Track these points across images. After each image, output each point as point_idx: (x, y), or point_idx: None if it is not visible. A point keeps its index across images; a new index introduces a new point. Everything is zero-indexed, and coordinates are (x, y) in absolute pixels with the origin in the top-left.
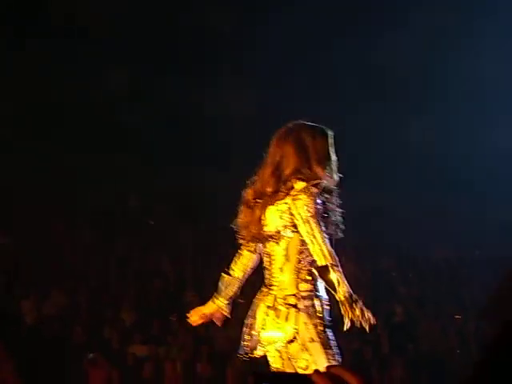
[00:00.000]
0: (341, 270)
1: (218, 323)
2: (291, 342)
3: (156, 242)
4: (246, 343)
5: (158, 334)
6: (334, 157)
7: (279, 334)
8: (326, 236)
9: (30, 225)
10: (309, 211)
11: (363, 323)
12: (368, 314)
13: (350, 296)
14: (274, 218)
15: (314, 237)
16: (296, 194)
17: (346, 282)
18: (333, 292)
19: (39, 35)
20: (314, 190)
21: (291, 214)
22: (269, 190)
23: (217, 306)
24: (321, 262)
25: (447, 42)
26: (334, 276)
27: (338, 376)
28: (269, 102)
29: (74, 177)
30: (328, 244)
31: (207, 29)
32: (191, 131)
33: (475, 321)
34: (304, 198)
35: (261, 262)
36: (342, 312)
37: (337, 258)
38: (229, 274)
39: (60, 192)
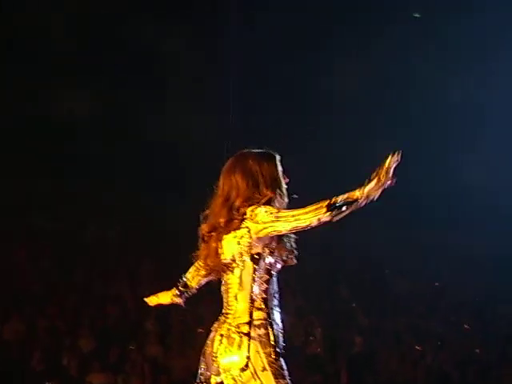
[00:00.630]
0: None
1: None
2: (243, 370)
3: (116, 268)
4: (201, 371)
5: (117, 362)
6: (283, 180)
7: (233, 361)
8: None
9: None
10: (272, 213)
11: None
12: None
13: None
14: (230, 245)
15: (297, 218)
16: (251, 214)
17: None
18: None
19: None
20: (272, 202)
21: (252, 237)
22: (221, 220)
23: (171, 293)
24: (325, 206)
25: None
26: (344, 202)
27: None
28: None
29: (31, 202)
30: (301, 209)
31: (162, 53)
32: (152, 156)
33: (433, 353)
34: (260, 210)
35: (217, 288)
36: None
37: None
38: (182, 284)
39: (17, 217)
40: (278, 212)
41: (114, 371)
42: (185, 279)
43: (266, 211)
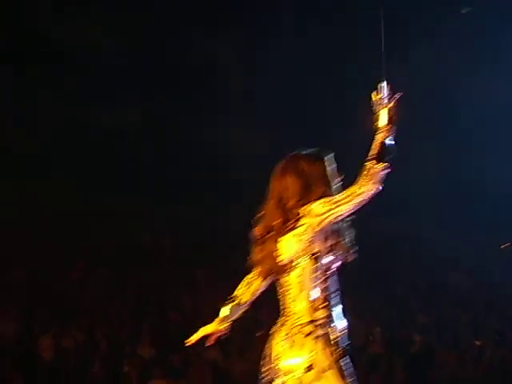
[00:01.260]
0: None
1: (211, 342)
2: (309, 369)
3: (171, 276)
4: (264, 375)
5: (178, 367)
6: (336, 178)
7: (296, 362)
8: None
9: (48, 261)
10: (329, 201)
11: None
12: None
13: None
14: (289, 245)
15: (353, 192)
16: (308, 209)
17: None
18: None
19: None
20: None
21: (311, 233)
22: (276, 222)
23: (217, 329)
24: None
25: None
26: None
27: None
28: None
29: (88, 215)
30: (356, 182)
31: (216, 66)
32: (204, 170)
33: (493, 348)
34: (315, 205)
35: (274, 291)
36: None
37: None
38: (233, 301)
39: (75, 229)
40: (334, 198)
41: (175, 376)
42: (234, 300)
43: (319, 203)
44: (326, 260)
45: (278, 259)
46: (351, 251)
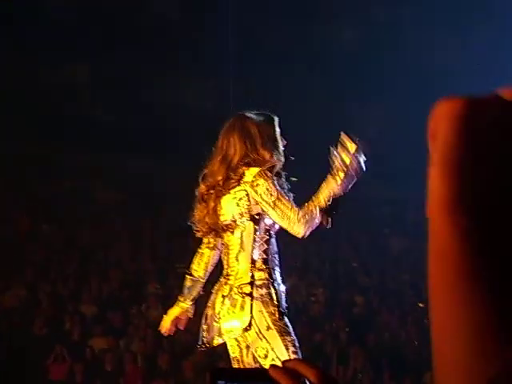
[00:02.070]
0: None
1: (182, 326)
2: (247, 330)
3: (116, 233)
4: (204, 333)
5: (119, 326)
6: (280, 141)
7: (235, 322)
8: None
9: None
10: (272, 195)
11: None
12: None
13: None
14: (229, 206)
15: (288, 217)
16: (253, 180)
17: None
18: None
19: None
20: (269, 173)
21: (250, 201)
22: (219, 178)
23: (181, 309)
24: (300, 233)
25: None
26: (313, 218)
27: (294, 369)
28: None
29: (34, 170)
30: (298, 213)
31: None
32: (149, 120)
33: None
34: (263, 183)
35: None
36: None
37: (306, 214)
38: (191, 275)
39: (19, 184)
40: (277, 199)
41: (116, 335)
42: (190, 272)
43: (267, 189)
44: (266, 222)
45: (221, 217)
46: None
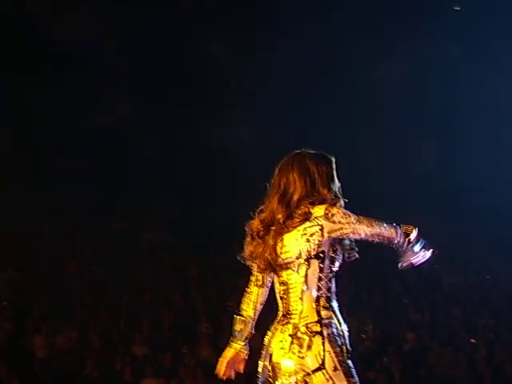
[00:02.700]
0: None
1: (240, 369)
2: (320, 369)
3: (165, 274)
4: (270, 373)
5: (170, 366)
6: (337, 181)
7: (303, 363)
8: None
9: (42, 261)
10: (350, 215)
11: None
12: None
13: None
14: (296, 243)
15: (376, 225)
16: (327, 213)
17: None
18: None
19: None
20: (338, 203)
21: (323, 235)
22: (280, 217)
23: (234, 350)
24: (395, 239)
25: None
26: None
27: None
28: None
29: (82, 214)
30: (384, 223)
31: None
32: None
33: (487, 346)
34: (337, 211)
35: (271, 292)
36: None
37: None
38: (241, 315)
39: (69, 228)
40: (359, 216)
41: (167, 375)
42: (239, 313)
43: (344, 212)
44: (330, 260)
45: (282, 255)
46: (353, 251)
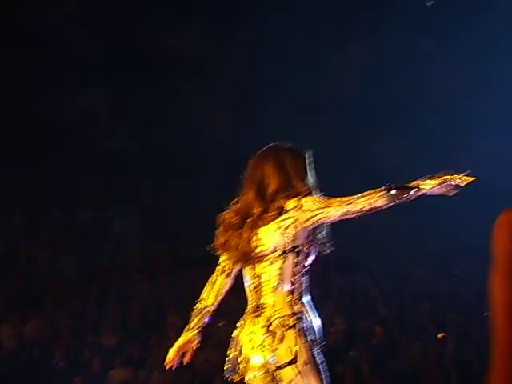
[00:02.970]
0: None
1: (187, 357)
2: (292, 363)
3: (135, 263)
4: (240, 365)
5: (139, 357)
6: (313, 176)
7: (274, 356)
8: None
9: (7, 248)
10: (319, 200)
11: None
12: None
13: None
14: (271, 236)
15: (349, 202)
16: (297, 204)
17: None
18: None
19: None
20: (311, 194)
21: (297, 227)
22: (256, 210)
23: (185, 338)
24: (379, 190)
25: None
26: (398, 187)
27: None
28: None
29: (50, 201)
30: (362, 194)
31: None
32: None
33: (453, 341)
34: (308, 199)
35: (238, 284)
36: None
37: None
38: (200, 304)
39: (36, 215)
40: (329, 199)
41: (136, 366)
42: (199, 301)
43: (314, 199)
44: (305, 254)
45: (257, 249)
46: (328, 244)
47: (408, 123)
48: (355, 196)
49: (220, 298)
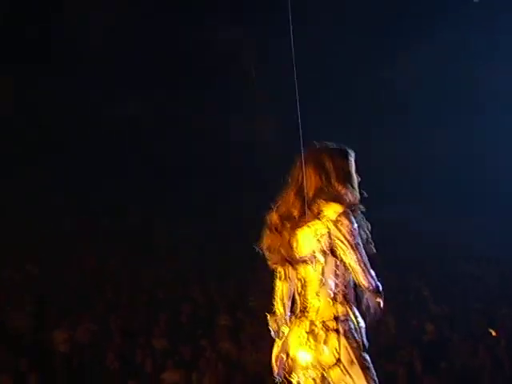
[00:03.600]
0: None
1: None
2: (336, 365)
3: (185, 267)
4: (285, 367)
5: (190, 359)
6: (355, 176)
7: (319, 359)
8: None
9: (61, 255)
10: (355, 237)
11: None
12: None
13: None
14: (309, 241)
15: (365, 264)
16: (338, 220)
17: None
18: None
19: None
20: (354, 213)
21: (331, 238)
22: (295, 212)
23: (279, 347)
24: (371, 287)
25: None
26: (379, 301)
27: None
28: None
29: (98, 205)
30: (371, 272)
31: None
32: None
33: (507, 337)
34: (347, 224)
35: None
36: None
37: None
38: (272, 313)
39: (88, 221)
40: (359, 245)
41: (187, 368)
42: (271, 313)
43: (352, 231)
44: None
45: (297, 252)
46: (370, 245)
47: None
48: (372, 272)
49: (287, 303)
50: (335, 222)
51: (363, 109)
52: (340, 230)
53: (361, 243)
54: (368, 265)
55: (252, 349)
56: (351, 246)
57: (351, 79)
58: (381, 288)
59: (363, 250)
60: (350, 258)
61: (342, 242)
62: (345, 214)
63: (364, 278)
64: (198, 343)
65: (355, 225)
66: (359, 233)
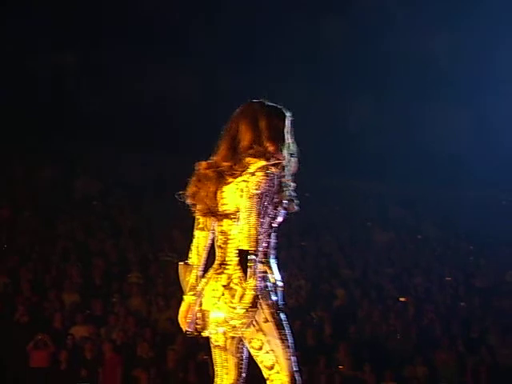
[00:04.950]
0: (258, 263)
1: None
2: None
3: (99, 223)
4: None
5: (100, 314)
6: (287, 136)
7: (233, 314)
8: (264, 221)
9: None
10: (258, 188)
11: (237, 322)
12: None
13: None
14: (233, 196)
15: (250, 215)
16: (254, 172)
17: (258, 277)
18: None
19: None
20: (273, 170)
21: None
22: (225, 164)
23: (188, 303)
24: (245, 245)
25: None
26: (251, 266)
27: None
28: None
29: (11, 160)
30: (258, 231)
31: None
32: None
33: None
34: (259, 176)
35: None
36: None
37: (260, 249)
38: (185, 262)
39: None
40: (258, 197)
41: (97, 324)
42: (184, 262)
43: (258, 184)
44: (270, 215)
45: (222, 205)
46: (293, 204)
47: None
48: (253, 232)
49: (202, 254)
50: (251, 175)
51: None
52: (251, 182)
53: (263, 200)
54: (256, 222)
55: (164, 306)
56: (249, 193)
57: None
58: (253, 253)
59: (260, 207)
60: (243, 203)
61: (247, 192)
62: (263, 168)
63: (243, 229)
64: (110, 299)
65: (267, 180)
66: (272, 188)
